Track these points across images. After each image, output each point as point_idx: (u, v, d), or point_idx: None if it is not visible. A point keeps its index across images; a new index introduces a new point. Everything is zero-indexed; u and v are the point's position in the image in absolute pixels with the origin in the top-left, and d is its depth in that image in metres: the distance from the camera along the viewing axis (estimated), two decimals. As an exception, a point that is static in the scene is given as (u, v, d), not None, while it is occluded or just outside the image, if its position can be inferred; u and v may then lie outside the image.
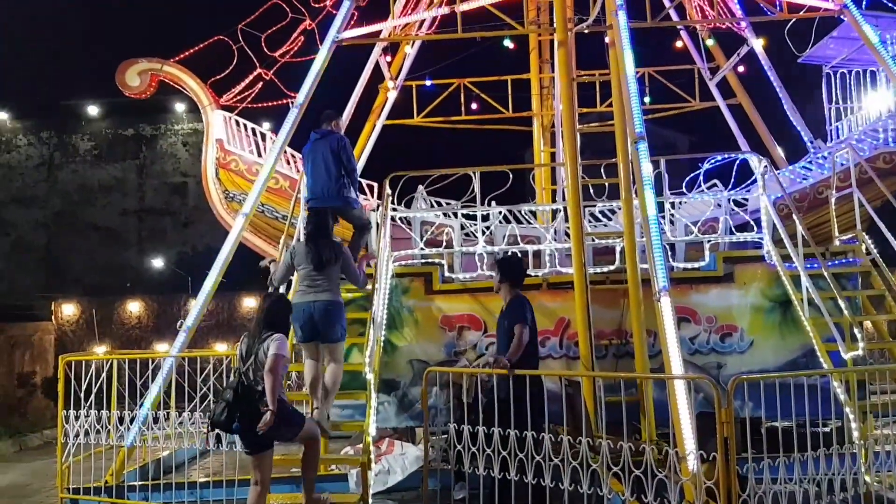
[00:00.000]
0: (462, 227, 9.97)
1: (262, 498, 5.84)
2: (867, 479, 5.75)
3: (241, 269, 12.55)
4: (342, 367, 6.90)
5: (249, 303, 19.43)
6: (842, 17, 9.58)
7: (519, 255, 8.17)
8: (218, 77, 11.19)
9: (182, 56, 11.10)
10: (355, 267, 7.09)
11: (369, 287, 7.53)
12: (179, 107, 35.22)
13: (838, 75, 12.02)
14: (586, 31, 9.25)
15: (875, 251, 8.14)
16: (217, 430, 5.77)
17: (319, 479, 6.51)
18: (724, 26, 13.15)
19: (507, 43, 14.29)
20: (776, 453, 5.01)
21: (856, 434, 6.07)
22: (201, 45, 11.20)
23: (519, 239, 9.11)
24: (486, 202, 9.04)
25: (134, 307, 20.94)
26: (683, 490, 4.81)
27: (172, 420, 7.15)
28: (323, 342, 6.74)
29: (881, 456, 5.86)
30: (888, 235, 7.89)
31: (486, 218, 9.01)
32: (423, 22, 12.46)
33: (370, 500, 6.36)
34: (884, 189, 8.40)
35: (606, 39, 9.08)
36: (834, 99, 12.08)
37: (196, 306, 8.24)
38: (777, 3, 9.93)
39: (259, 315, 5.93)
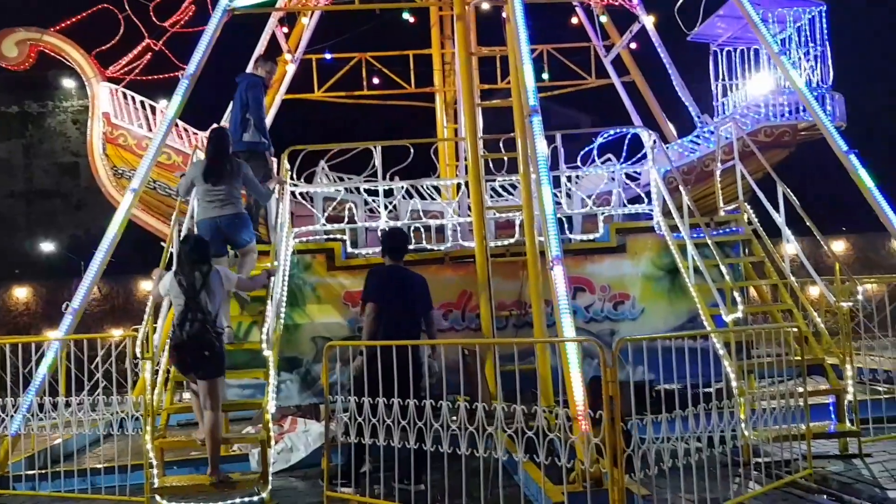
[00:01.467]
0: (366, 203, 9.89)
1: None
2: (745, 432, 6.14)
3: (136, 252, 12.04)
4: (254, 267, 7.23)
5: (146, 286, 18.67)
6: (727, -6, 10.00)
7: (406, 229, 8.26)
8: (103, 48, 10.59)
9: (64, 25, 10.43)
10: (257, 182, 7.35)
11: (269, 265, 7.43)
12: (69, 83, 33.08)
13: (724, 53, 12.59)
14: (485, 6, 9.31)
15: (756, 220, 8.62)
16: (181, 353, 6.02)
17: (220, 459, 6.39)
18: (616, 3, 13.45)
19: (407, 16, 14.18)
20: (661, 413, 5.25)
21: (735, 391, 6.44)
22: (85, 14, 10.58)
23: (422, 214, 9.13)
24: (388, 177, 8.99)
25: (21, 293, 19.79)
26: (575, 449, 4.99)
27: (60, 407, 6.85)
28: (234, 248, 7.06)
29: (757, 412, 6.27)
30: (768, 206, 8.38)
31: (389, 193, 8.97)
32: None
33: (270, 478, 6.29)
34: (764, 162, 8.87)
35: (504, 14, 9.15)
36: (721, 76, 12.65)
37: (83, 286, 7.86)
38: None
39: (189, 254, 6.22)
